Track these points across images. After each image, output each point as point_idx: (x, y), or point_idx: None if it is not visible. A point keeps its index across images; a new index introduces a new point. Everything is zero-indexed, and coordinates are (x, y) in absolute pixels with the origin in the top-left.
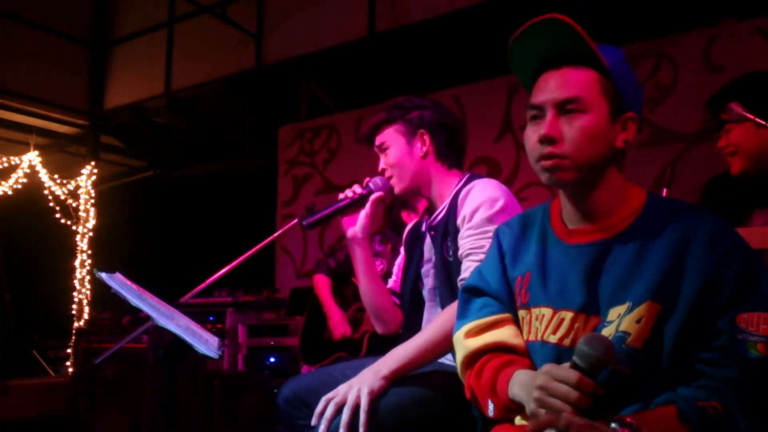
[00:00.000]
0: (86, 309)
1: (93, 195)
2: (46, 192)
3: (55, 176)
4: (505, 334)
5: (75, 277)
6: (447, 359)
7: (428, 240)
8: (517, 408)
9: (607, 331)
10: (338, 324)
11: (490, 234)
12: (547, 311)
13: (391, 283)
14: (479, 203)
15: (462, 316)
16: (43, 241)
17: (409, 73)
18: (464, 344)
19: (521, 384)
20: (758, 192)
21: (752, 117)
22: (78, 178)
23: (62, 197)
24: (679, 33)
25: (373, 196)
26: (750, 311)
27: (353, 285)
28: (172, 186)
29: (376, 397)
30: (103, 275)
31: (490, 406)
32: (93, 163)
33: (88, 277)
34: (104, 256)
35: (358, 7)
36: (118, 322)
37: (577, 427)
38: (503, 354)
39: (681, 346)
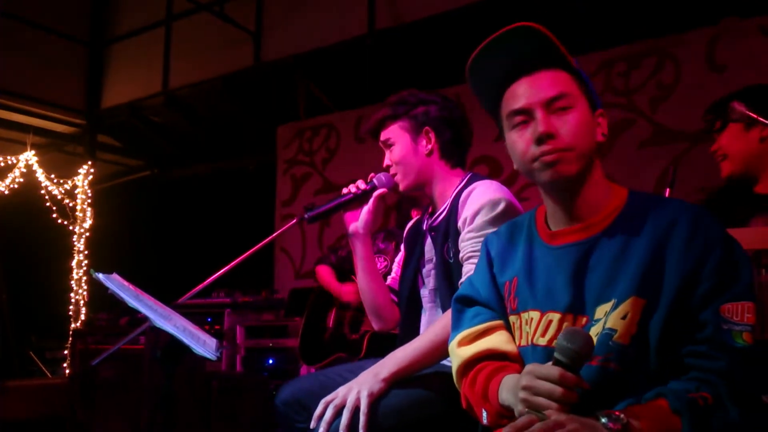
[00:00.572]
0: (83, 310)
1: (90, 195)
2: (42, 192)
3: (52, 176)
4: (496, 340)
5: (72, 278)
6: (447, 361)
7: (429, 240)
8: (509, 414)
9: (595, 329)
10: (351, 292)
11: None
12: (535, 314)
13: (389, 280)
14: (480, 206)
15: (455, 326)
16: (39, 241)
17: (409, 72)
18: (458, 353)
19: (509, 388)
20: (748, 196)
21: (755, 116)
22: (75, 178)
23: (59, 197)
24: (682, 32)
25: (376, 193)
26: (733, 301)
27: (354, 282)
28: (170, 185)
29: (375, 400)
30: (100, 276)
31: (484, 414)
32: (90, 162)
33: (85, 278)
34: (101, 256)
35: (357, 6)
36: (115, 323)
37: (562, 424)
38: (496, 361)
39: (667, 339)
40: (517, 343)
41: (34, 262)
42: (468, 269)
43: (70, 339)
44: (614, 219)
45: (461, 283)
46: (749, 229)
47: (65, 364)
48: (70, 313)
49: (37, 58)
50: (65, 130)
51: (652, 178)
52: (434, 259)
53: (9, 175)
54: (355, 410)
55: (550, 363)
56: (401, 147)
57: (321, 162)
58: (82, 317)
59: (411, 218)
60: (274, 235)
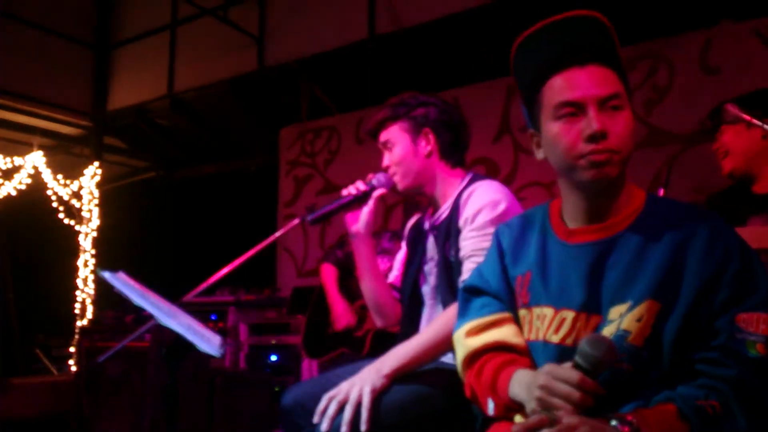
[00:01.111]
0: (89, 308)
1: (96, 195)
2: (49, 192)
3: (59, 177)
4: (505, 333)
5: (78, 277)
6: (447, 359)
7: (431, 239)
8: (517, 407)
9: (608, 330)
10: (341, 315)
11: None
12: (548, 311)
13: (392, 277)
14: (482, 205)
15: (462, 315)
16: (46, 241)
17: (409, 75)
18: (465, 343)
19: (522, 383)
20: (746, 196)
21: (747, 117)
22: (81, 179)
23: (66, 198)
24: (676, 35)
25: (375, 193)
26: (749, 311)
27: (349, 304)
28: (175, 186)
29: (377, 395)
30: (107, 274)
31: (490, 405)
32: (96, 163)
33: (91, 277)
34: (107, 255)
35: (358, 11)
36: (121, 320)
37: (574, 428)
38: (504, 353)
39: (680, 344)
40: (526, 337)
41: (42, 261)
42: (469, 268)
43: (77, 336)
44: (633, 221)
45: (462, 281)
46: (747, 228)
47: (71, 362)
48: (77, 311)
49: (45, 62)
50: (72, 132)
51: (646, 179)
52: (436, 258)
53: (16, 176)
54: (358, 406)
55: (569, 365)
56: (401, 148)
57: (323, 163)
58: (89, 315)
59: None
60: (276, 234)
